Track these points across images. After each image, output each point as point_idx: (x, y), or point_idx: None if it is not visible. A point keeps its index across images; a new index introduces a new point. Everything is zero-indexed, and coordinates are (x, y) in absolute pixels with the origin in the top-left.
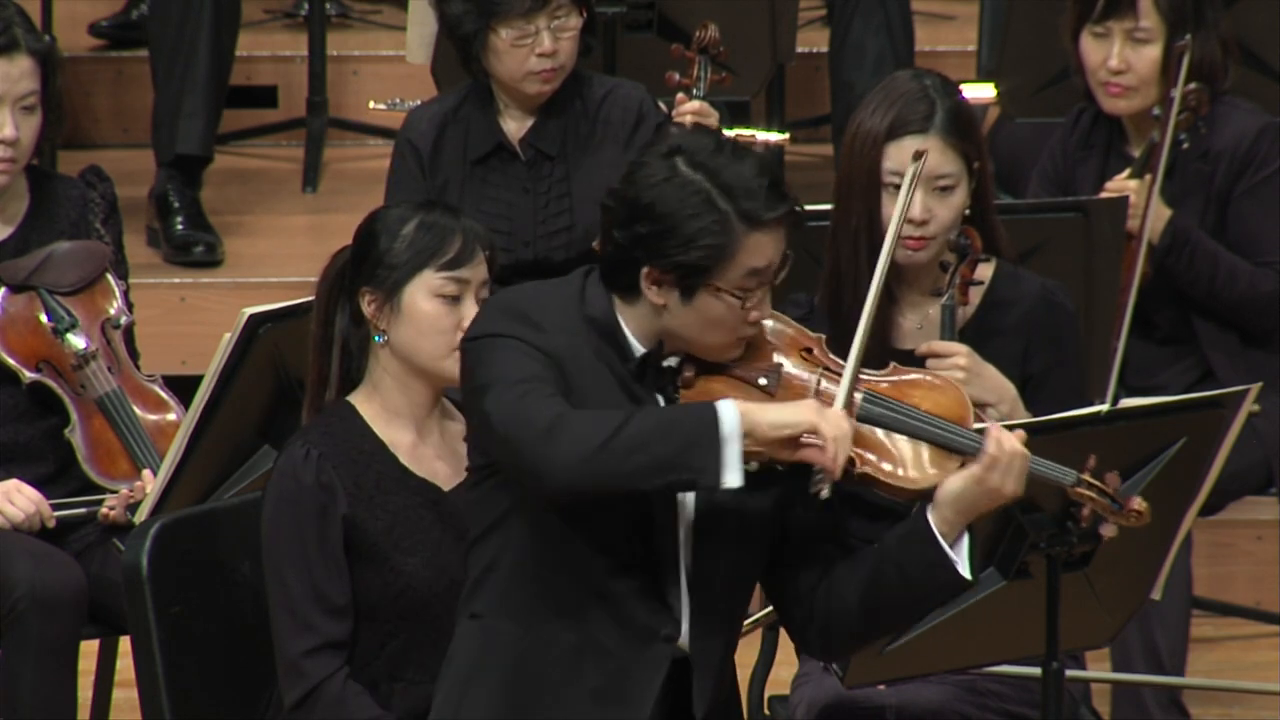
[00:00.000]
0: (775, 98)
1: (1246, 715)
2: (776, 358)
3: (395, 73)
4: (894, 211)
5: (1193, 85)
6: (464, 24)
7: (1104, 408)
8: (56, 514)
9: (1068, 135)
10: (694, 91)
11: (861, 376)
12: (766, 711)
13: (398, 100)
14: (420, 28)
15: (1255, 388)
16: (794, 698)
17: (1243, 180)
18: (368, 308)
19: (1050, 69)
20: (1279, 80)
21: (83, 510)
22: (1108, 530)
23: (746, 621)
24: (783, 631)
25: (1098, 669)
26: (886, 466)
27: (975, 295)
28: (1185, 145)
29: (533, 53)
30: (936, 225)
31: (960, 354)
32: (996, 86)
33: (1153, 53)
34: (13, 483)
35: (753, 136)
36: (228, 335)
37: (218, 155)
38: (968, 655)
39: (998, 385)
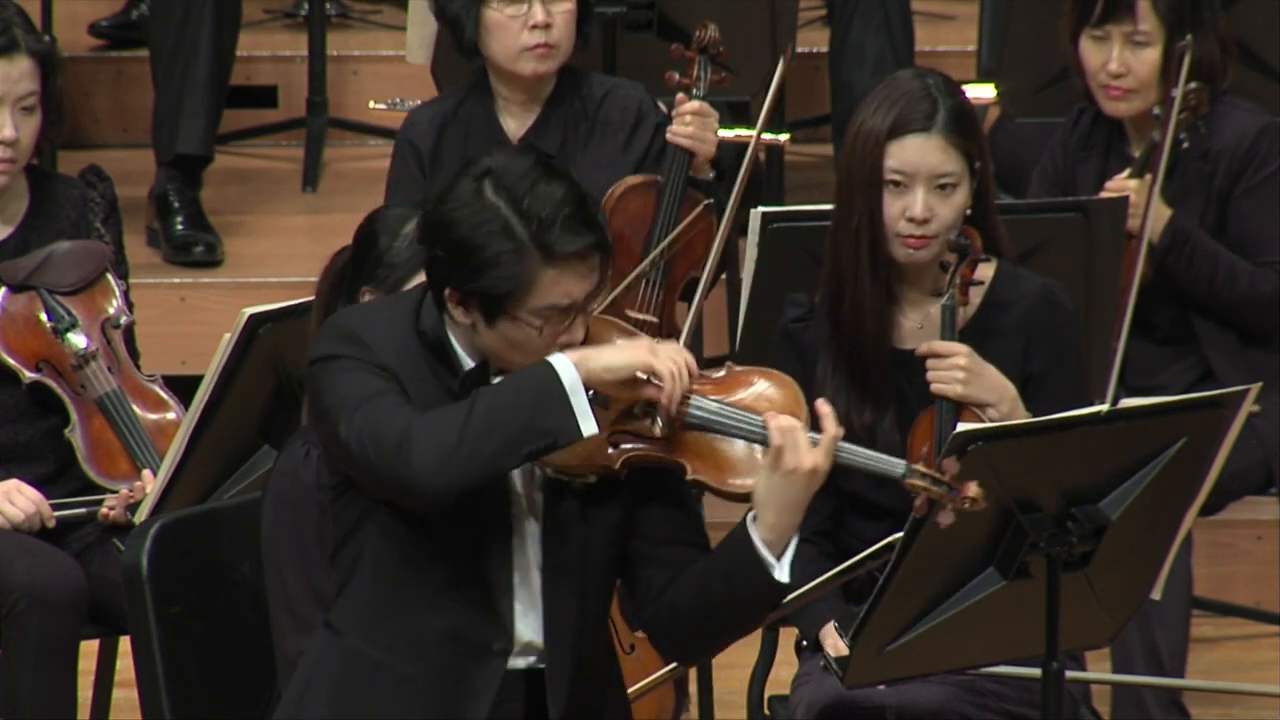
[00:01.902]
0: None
1: (1246, 715)
2: None
3: (395, 73)
4: None
5: (1193, 85)
6: (455, 0)
7: (1104, 408)
8: (56, 514)
9: (1068, 135)
10: (694, 91)
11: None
12: (766, 711)
13: (398, 100)
14: (420, 28)
15: (1255, 388)
16: (794, 698)
17: (1243, 180)
18: None
19: (1050, 69)
20: (1279, 80)
21: (83, 510)
22: (945, 518)
23: None
24: (783, 631)
25: (1098, 669)
26: (714, 471)
27: (975, 295)
28: (1185, 145)
29: (525, 26)
30: (938, 224)
31: (960, 354)
32: (996, 86)
33: (1152, 55)
34: (13, 483)
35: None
36: (228, 335)
37: (218, 155)
38: (968, 655)
39: (998, 385)
